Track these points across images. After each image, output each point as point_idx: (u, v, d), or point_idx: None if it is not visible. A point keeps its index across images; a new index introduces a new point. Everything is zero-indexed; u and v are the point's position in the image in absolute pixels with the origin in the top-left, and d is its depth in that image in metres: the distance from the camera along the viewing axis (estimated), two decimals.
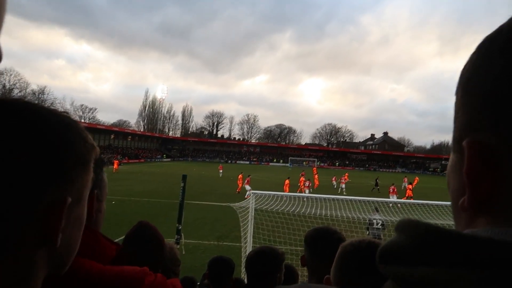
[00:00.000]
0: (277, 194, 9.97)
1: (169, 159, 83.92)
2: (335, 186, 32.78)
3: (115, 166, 38.69)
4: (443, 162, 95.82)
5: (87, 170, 0.60)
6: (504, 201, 0.35)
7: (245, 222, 8.56)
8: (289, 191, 24.93)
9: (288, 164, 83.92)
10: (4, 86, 71.32)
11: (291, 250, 8.62)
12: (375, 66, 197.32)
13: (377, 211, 10.37)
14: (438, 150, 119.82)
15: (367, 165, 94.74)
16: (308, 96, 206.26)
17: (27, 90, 75.71)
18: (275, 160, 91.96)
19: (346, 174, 36.29)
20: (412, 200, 9.86)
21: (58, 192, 0.53)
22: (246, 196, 19.24)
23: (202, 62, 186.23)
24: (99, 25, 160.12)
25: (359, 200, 10.24)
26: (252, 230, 8.25)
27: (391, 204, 13.92)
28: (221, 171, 43.29)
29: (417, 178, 39.16)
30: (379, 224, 9.86)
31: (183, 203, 6.68)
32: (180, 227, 6.66)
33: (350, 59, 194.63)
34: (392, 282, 0.37)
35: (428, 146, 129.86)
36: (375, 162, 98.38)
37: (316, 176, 34.10)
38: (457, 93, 0.41)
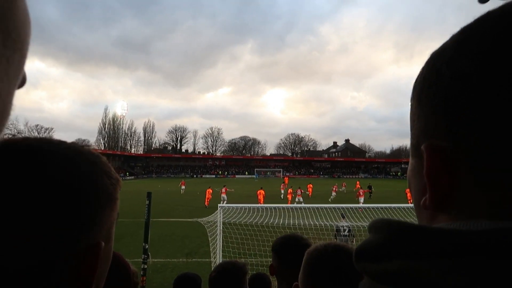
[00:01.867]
0: (244, 206, 9.96)
1: (132, 177, 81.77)
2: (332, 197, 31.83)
3: None
4: (402, 165, 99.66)
5: (114, 207, 0.58)
6: (461, 198, 0.38)
7: (214, 237, 8.47)
8: (264, 202, 24.96)
9: (254, 176, 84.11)
10: None
11: (261, 262, 8.60)
12: (336, 75, 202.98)
13: (343, 217, 10.58)
14: (397, 154, 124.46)
15: (330, 173, 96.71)
16: (272, 107, 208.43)
17: None
18: (231, 172, 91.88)
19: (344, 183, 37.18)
20: (375, 204, 10.15)
21: (91, 237, 0.52)
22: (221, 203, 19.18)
23: (163, 76, 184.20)
24: (52, 40, 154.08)
25: (326, 208, 10.42)
26: (221, 244, 8.17)
27: (356, 209, 14.26)
28: (183, 187, 40.45)
29: None
30: (346, 231, 10.02)
31: (149, 221, 6.51)
32: (147, 246, 6.47)
33: (311, 69, 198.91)
34: (368, 279, 0.40)
35: (388, 151, 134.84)
36: (339, 169, 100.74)
37: (311, 185, 35.47)
38: (412, 103, 0.46)
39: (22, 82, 0.37)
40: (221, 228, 8.28)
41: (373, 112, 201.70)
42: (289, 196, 28.00)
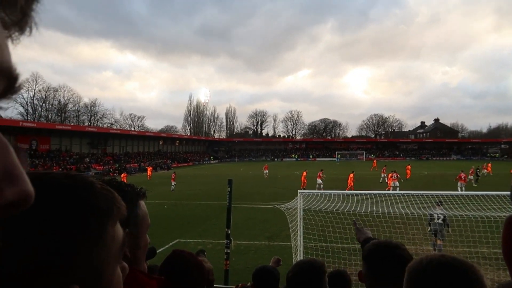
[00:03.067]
0: (325, 193, 9.76)
1: (216, 161, 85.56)
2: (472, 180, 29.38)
3: (149, 173, 39.57)
4: (502, 146, 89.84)
5: (103, 244, 0.52)
6: None
7: (294, 223, 8.43)
8: (354, 186, 24.19)
9: (335, 159, 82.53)
10: (59, 102, 76.46)
11: (343, 248, 8.39)
12: (425, 49, 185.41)
13: (440, 204, 9.82)
14: (496, 133, 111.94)
15: (417, 155, 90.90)
16: (353, 87, 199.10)
17: (80, 104, 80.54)
18: (312, 154, 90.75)
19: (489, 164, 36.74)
20: (475, 192, 9.20)
21: (62, 282, 0.47)
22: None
23: (243, 61, 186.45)
24: (141, 34, 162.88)
25: (418, 194, 9.74)
26: (301, 231, 8.10)
27: (456, 196, 13.16)
28: (266, 171, 40.34)
29: None
30: (440, 219, 9.37)
31: (230, 207, 6.68)
32: (229, 232, 6.66)
33: (397, 44, 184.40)
34: None
35: (485, 130, 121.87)
36: (427, 151, 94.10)
37: (409, 166, 35.78)
38: None
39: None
40: (302, 215, 8.18)
41: (468, 88, 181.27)
42: (390, 181, 25.81)
